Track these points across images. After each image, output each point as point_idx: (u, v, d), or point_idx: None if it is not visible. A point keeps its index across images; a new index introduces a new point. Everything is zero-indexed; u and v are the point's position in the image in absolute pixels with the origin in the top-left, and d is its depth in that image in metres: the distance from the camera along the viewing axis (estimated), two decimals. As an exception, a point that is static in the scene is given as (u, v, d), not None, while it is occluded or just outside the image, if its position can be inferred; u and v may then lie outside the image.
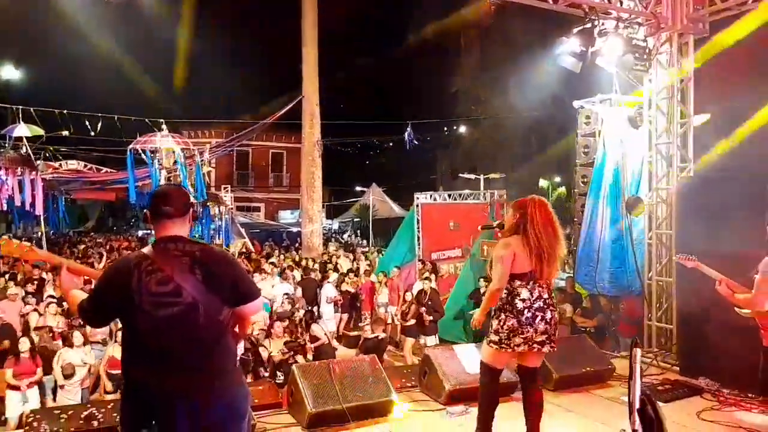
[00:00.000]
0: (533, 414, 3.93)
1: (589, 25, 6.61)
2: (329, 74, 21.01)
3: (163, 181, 12.21)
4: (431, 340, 9.69)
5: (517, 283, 3.77)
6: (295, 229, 25.55)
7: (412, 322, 9.93)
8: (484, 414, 3.98)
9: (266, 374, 7.45)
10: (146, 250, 2.54)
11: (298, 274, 13.42)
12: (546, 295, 3.81)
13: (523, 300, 3.75)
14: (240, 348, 7.68)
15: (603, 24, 6.81)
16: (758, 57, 6.83)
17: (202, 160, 13.56)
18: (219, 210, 15.46)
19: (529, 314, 3.73)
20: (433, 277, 11.25)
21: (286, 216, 31.31)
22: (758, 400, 5.19)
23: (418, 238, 13.20)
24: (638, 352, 2.15)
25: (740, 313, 4.46)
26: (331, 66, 21.50)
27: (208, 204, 14.31)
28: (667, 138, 7.00)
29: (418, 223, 13.30)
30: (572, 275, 9.17)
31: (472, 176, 18.50)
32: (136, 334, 2.44)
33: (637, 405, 1.87)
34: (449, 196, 14.11)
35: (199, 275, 2.45)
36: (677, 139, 6.93)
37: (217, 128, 27.96)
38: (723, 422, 4.82)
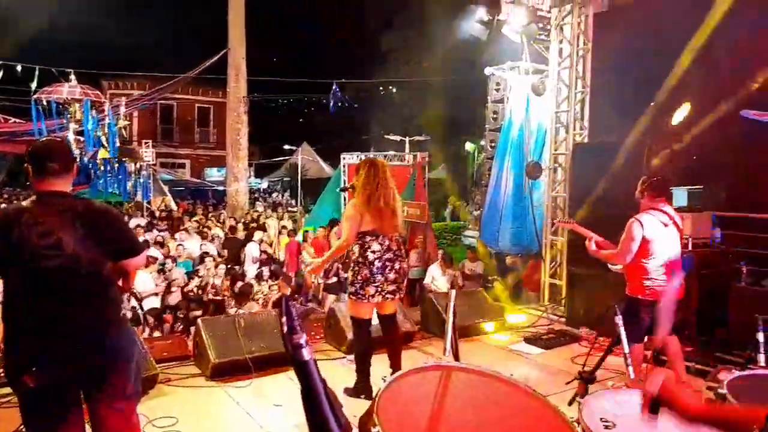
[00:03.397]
0: (394, 350, 4.37)
1: (497, -6, 6.86)
2: (258, 28, 20.47)
3: (71, 136, 11.69)
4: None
5: (368, 238, 4.14)
6: (222, 188, 25.08)
7: (334, 279, 10.20)
8: (361, 363, 4.32)
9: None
10: (26, 203, 2.55)
11: (220, 232, 13.34)
12: (395, 247, 4.20)
13: (374, 252, 4.12)
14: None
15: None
16: (651, 33, 7.33)
17: (118, 114, 13.03)
18: (137, 166, 14.97)
19: (380, 264, 4.12)
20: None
21: (212, 174, 30.52)
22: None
23: (344, 198, 13.35)
24: (453, 293, 2.45)
25: (613, 269, 4.90)
26: (260, 20, 20.94)
27: (124, 160, 13.83)
28: (566, 106, 7.45)
29: (344, 183, 13.42)
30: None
31: (398, 138, 18.74)
32: (19, 285, 2.48)
33: (449, 338, 2.17)
34: (375, 156, 14.30)
35: (81, 229, 2.49)
36: (576, 108, 7.39)
37: (140, 80, 26.66)
38: (592, 365, 5.37)
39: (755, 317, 3.84)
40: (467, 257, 10.39)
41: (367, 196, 4.07)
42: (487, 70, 8.46)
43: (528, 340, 6.09)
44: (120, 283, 2.77)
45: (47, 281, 2.45)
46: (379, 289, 4.14)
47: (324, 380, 0.77)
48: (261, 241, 12.34)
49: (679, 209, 5.07)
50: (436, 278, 9.32)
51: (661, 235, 4.27)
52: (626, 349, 2.06)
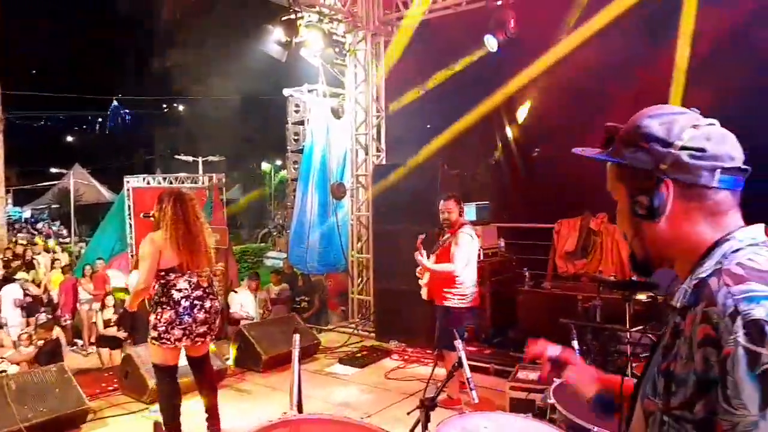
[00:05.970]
0: (208, 395, 3.96)
1: (293, 16, 6.83)
2: (15, 35, 17.82)
3: None
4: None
5: (172, 275, 3.71)
6: (-31, 219, 21.00)
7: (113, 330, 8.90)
8: (169, 416, 3.85)
9: None
10: None
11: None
12: (205, 284, 3.83)
13: (180, 290, 3.70)
14: None
15: (309, 16, 7.11)
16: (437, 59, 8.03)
17: None
18: None
19: (187, 303, 3.71)
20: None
21: (-45, 203, 25.48)
22: (434, 354, 6.14)
23: (131, 225, 12.11)
24: (297, 337, 2.32)
25: (420, 283, 5.00)
26: (18, 26, 18.26)
27: None
28: (364, 129, 7.73)
29: (129, 209, 12.18)
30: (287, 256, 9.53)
31: (190, 158, 17.69)
32: None
33: (295, 389, 2.02)
34: (164, 179, 13.29)
35: None
36: (373, 131, 7.70)
37: None
38: (406, 378, 5.58)
39: (543, 317, 4.31)
40: (272, 281, 10.11)
41: (172, 230, 3.62)
42: (286, 92, 8.40)
43: (342, 361, 6.09)
44: None
45: None
46: (187, 332, 3.70)
47: None
48: (25, 281, 10.55)
49: (473, 223, 5.52)
50: (245, 304, 8.88)
51: (474, 247, 4.61)
52: (468, 374, 2.09)
